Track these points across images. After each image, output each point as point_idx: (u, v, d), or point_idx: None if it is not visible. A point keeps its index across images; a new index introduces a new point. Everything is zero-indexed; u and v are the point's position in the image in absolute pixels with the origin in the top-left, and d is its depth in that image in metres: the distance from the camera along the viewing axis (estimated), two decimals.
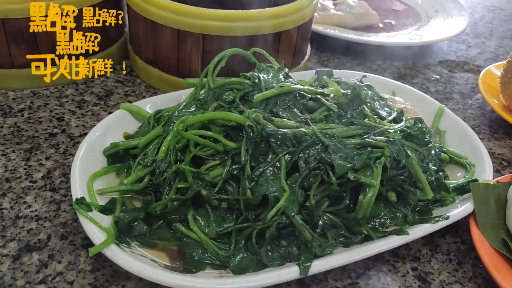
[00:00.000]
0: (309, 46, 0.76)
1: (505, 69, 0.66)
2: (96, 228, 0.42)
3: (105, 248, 0.40)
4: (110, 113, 0.63)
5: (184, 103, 0.55)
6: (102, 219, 0.44)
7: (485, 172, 0.53)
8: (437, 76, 0.80)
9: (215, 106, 0.51)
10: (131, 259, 0.40)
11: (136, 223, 0.45)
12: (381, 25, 0.91)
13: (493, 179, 0.52)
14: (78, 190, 0.45)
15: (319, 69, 0.65)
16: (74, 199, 0.44)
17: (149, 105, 0.58)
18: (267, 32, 0.63)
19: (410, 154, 0.46)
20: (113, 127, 0.55)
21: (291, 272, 0.40)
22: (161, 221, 0.46)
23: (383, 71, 0.80)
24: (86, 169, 0.49)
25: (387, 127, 0.49)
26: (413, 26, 0.92)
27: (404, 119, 0.53)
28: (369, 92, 0.57)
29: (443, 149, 0.56)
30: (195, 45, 0.63)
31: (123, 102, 0.65)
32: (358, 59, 0.82)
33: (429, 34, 0.86)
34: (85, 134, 0.59)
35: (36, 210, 0.49)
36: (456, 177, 0.54)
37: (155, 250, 0.44)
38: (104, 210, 0.46)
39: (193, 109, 0.53)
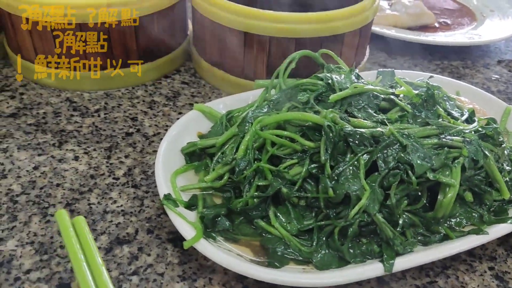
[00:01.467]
0: (368, 47, 0.77)
1: None
2: (185, 223, 0.45)
3: (196, 242, 0.43)
4: (179, 113, 0.66)
5: (256, 104, 0.56)
6: (187, 215, 0.46)
7: None
8: (497, 76, 0.79)
9: (289, 106, 0.53)
10: (220, 253, 0.42)
11: (219, 218, 0.47)
12: (436, 25, 0.90)
13: None
14: (164, 186, 0.48)
15: (381, 69, 0.66)
16: (161, 196, 0.47)
17: (220, 105, 0.60)
18: (330, 34, 0.65)
19: (487, 154, 0.47)
20: (188, 127, 0.57)
21: (375, 268, 0.42)
22: (242, 217, 0.48)
23: (442, 71, 0.80)
24: (167, 167, 0.51)
25: (461, 127, 0.50)
26: (469, 25, 0.91)
27: (476, 119, 0.53)
28: (439, 92, 0.58)
29: None
30: (261, 47, 0.65)
31: (190, 103, 0.68)
32: (415, 59, 0.82)
33: (487, 33, 0.86)
34: (159, 133, 0.62)
35: (121, 205, 0.51)
36: None
37: (239, 245, 0.46)
38: (188, 206, 0.48)
39: (265, 109, 0.55)
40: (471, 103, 0.62)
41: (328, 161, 0.46)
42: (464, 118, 0.53)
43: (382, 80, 0.62)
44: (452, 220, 0.47)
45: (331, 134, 0.46)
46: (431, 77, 0.62)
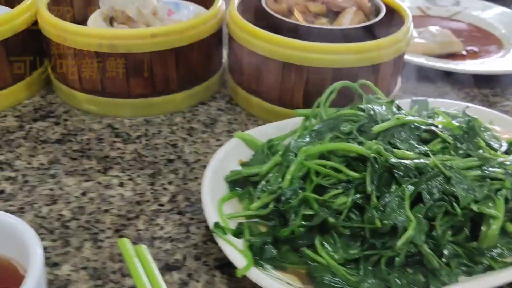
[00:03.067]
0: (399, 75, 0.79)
1: None
2: (235, 251, 0.46)
3: (249, 270, 0.44)
4: (217, 140, 0.68)
5: (298, 134, 0.58)
6: (235, 242, 0.48)
7: None
8: None
9: (331, 137, 0.54)
10: (273, 282, 0.43)
11: (266, 246, 0.48)
12: (464, 52, 0.92)
13: None
14: (212, 215, 0.50)
15: (415, 98, 0.67)
16: (210, 224, 0.48)
17: (260, 133, 0.62)
18: (366, 64, 0.66)
19: None
20: (230, 155, 0.59)
21: None
22: (288, 246, 0.49)
23: (472, 99, 0.81)
24: (212, 195, 0.53)
25: (502, 159, 0.51)
26: (496, 53, 0.92)
27: None
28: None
29: None
30: (299, 77, 0.67)
31: (227, 130, 0.70)
32: (445, 87, 0.84)
33: None
34: (199, 160, 0.64)
35: (168, 232, 0.53)
36: None
37: (286, 273, 0.47)
38: (236, 234, 0.49)
39: (307, 139, 0.56)
40: (506, 133, 0.63)
41: (374, 192, 0.47)
42: (503, 149, 0.54)
43: (418, 109, 0.63)
44: (494, 250, 0.48)
45: (376, 165, 0.47)
46: (467, 107, 0.63)
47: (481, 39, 0.98)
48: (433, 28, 0.92)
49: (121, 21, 0.77)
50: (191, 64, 0.72)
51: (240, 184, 0.56)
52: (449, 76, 0.85)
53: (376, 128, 0.52)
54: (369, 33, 0.74)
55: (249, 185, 0.56)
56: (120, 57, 0.66)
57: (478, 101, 0.80)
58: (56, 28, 0.66)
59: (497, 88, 0.84)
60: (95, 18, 0.78)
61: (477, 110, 0.68)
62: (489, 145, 0.54)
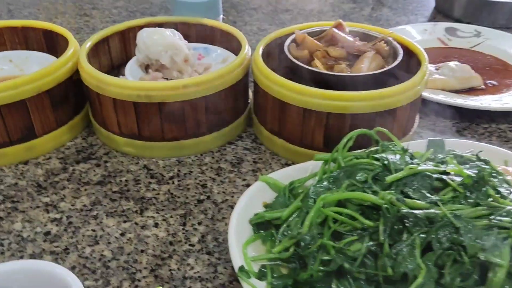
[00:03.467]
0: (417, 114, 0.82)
1: None
2: None
3: None
4: (243, 179, 0.73)
5: (317, 179, 0.62)
6: (258, 285, 0.52)
7: None
8: None
9: (348, 184, 0.59)
10: None
11: None
12: (483, 87, 0.94)
13: None
14: (237, 258, 0.54)
15: (431, 138, 0.71)
16: (236, 268, 0.53)
17: (283, 176, 0.66)
18: (384, 109, 0.70)
19: None
20: (254, 198, 0.63)
21: None
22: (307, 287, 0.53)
23: (490, 135, 0.83)
24: (238, 238, 0.58)
25: (510, 207, 0.54)
26: None
27: None
28: (487, 167, 0.62)
29: None
30: (318, 121, 0.72)
31: (253, 169, 0.75)
32: (463, 122, 0.87)
33: None
34: (226, 200, 0.69)
35: (198, 271, 0.58)
36: None
37: None
38: (259, 276, 0.54)
39: (325, 184, 0.60)
40: None
41: (387, 240, 0.51)
42: None
43: (434, 152, 0.67)
44: None
45: (388, 215, 0.51)
46: (480, 151, 0.66)
47: (501, 71, 1.00)
48: (452, 64, 0.95)
49: (156, 68, 0.83)
50: (219, 108, 0.77)
51: (264, 226, 0.61)
52: (467, 111, 0.88)
53: (390, 178, 0.56)
54: (387, 76, 0.78)
55: (271, 227, 0.61)
56: (156, 106, 0.72)
57: (495, 137, 0.83)
58: (96, 79, 0.73)
59: None
60: (132, 65, 0.84)
61: (492, 151, 0.71)
62: (498, 192, 0.57)
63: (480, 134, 0.84)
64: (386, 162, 0.58)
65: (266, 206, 0.64)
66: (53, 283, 0.45)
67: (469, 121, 0.87)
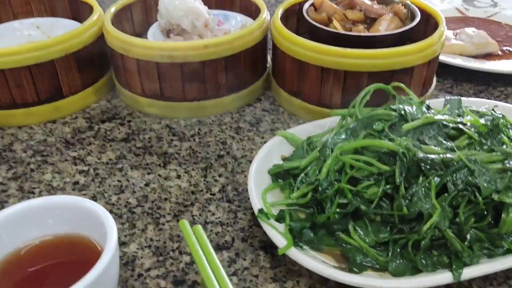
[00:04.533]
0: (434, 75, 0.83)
1: None
2: (277, 233, 0.53)
3: (288, 249, 0.51)
4: (262, 137, 0.75)
5: (335, 131, 0.64)
6: (277, 226, 0.54)
7: None
8: None
9: (365, 134, 0.60)
10: (309, 259, 0.50)
11: (304, 230, 0.55)
12: (500, 53, 0.94)
13: None
14: (257, 202, 0.57)
15: (448, 97, 0.72)
16: (255, 210, 0.55)
17: (300, 131, 0.68)
18: (401, 67, 0.72)
19: None
20: (273, 151, 0.65)
21: (445, 277, 0.48)
22: (325, 230, 0.55)
23: (506, 97, 0.84)
24: (257, 186, 0.60)
25: None
26: None
27: None
28: (503, 120, 0.63)
29: None
30: (336, 80, 0.73)
31: (271, 128, 0.77)
32: (480, 85, 0.87)
33: None
34: (245, 155, 0.71)
35: (219, 217, 0.61)
36: None
37: (322, 253, 0.54)
38: (277, 219, 0.56)
39: (343, 136, 0.62)
40: None
41: (403, 183, 0.52)
42: None
43: (450, 108, 0.68)
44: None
45: (405, 160, 0.53)
46: (496, 106, 0.67)
47: None
48: (469, 30, 0.96)
49: (177, 33, 0.85)
50: (238, 70, 0.79)
51: (282, 176, 0.63)
52: (484, 75, 0.88)
53: (406, 126, 0.57)
54: (405, 37, 0.79)
55: (289, 177, 0.62)
56: (177, 66, 0.74)
57: (511, 99, 0.83)
58: (121, 41, 0.76)
59: None
60: (154, 30, 0.87)
61: (508, 108, 0.72)
62: None
63: (496, 97, 0.84)
64: (403, 112, 0.59)
65: (285, 159, 0.66)
66: (85, 214, 0.48)
67: (485, 84, 0.87)
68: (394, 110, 0.60)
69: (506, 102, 0.83)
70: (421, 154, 0.53)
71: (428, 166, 0.53)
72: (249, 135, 0.76)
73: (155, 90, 0.78)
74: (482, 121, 0.58)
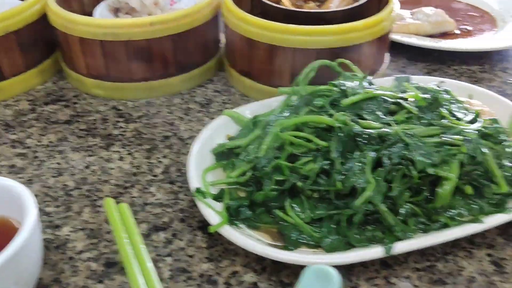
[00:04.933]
0: (388, 54, 0.82)
1: None
2: (212, 212, 0.52)
3: (221, 227, 0.49)
4: (212, 118, 0.73)
5: (279, 109, 0.63)
6: (215, 205, 0.53)
7: None
8: None
9: (307, 111, 0.59)
10: (242, 237, 0.49)
11: (242, 208, 0.54)
12: (457, 32, 0.94)
13: None
14: (195, 181, 0.55)
15: (398, 75, 0.71)
16: (192, 189, 0.54)
17: (247, 111, 0.67)
18: (349, 44, 0.70)
19: (485, 151, 0.51)
20: (218, 130, 0.64)
21: (376, 251, 0.47)
22: (263, 208, 0.54)
23: (460, 75, 0.84)
24: (199, 165, 0.59)
25: (463, 127, 0.54)
26: (490, 31, 0.94)
27: (480, 120, 0.57)
28: (447, 96, 0.62)
29: None
30: (285, 58, 0.72)
31: (221, 109, 0.75)
32: (435, 64, 0.87)
33: (505, 39, 0.89)
34: (193, 136, 0.69)
35: (159, 198, 0.59)
36: None
37: (259, 231, 0.53)
38: (216, 198, 0.55)
39: (287, 114, 0.61)
40: (482, 106, 0.66)
41: (339, 158, 0.51)
42: (468, 119, 0.57)
43: (398, 85, 0.67)
44: (453, 211, 0.52)
45: (340, 134, 0.52)
46: (442, 82, 0.66)
47: (477, 18, 1.00)
48: (427, 9, 0.95)
49: (125, 11, 0.83)
50: (188, 49, 0.77)
51: (226, 156, 0.62)
52: (439, 54, 0.88)
53: (345, 101, 0.56)
54: (358, 15, 0.77)
55: (233, 157, 0.61)
56: (122, 44, 0.72)
57: (465, 77, 0.83)
58: (63, 19, 0.73)
59: (486, 65, 0.86)
60: (101, 9, 0.84)
61: (458, 85, 0.71)
62: (454, 116, 0.58)
63: (450, 75, 0.84)
64: (343, 87, 0.58)
65: (230, 138, 0.65)
66: (2, 193, 0.46)
67: (440, 63, 0.87)
68: (336, 86, 0.59)
69: (460, 79, 0.82)
70: (357, 129, 0.52)
71: (364, 141, 0.52)
72: (198, 116, 0.74)
73: (101, 71, 0.76)
74: (422, 95, 0.58)
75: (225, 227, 0.50)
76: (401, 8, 0.98)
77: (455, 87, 0.71)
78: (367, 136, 0.52)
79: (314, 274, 0.32)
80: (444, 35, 0.93)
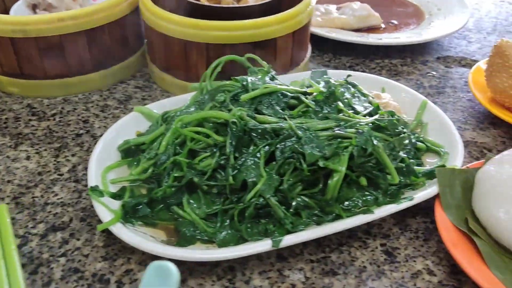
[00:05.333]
0: (309, 48, 0.83)
1: (488, 63, 0.70)
2: (106, 210, 0.51)
3: (111, 225, 0.49)
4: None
5: (187, 105, 0.63)
6: (113, 204, 0.53)
7: (456, 159, 0.58)
8: (434, 72, 0.84)
9: (211, 106, 0.59)
10: (131, 234, 0.48)
11: (140, 206, 0.53)
12: (383, 26, 0.96)
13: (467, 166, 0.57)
14: (93, 179, 0.54)
15: (314, 70, 0.72)
16: (89, 187, 0.53)
17: (159, 107, 0.66)
18: (263, 39, 0.71)
19: (376, 143, 0.52)
20: (127, 127, 0.63)
21: (264, 244, 0.48)
22: (162, 205, 0.54)
23: (381, 69, 0.85)
24: (103, 163, 0.58)
25: (358, 120, 0.55)
26: (415, 24, 0.96)
27: (379, 113, 0.58)
28: (352, 89, 0.63)
29: (421, 139, 0.62)
30: (200, 53, 0.71)
31: (138, 106, 0.74)
32: (358, 59, 0.88)
33: (428, 32, 0.90)
34: None
35: (61, 198, 0.58)
36: (435, 165, 0.59)
37: (156, 228, 0.52)
38: (115, 196, 0.54)
39: (193, 109, 0.61)
40: (389, 99, 0.67)
41: (233, 153, 0.52)
42: (366, 112, 0.58)
43: (314, 79, 0.67)
44: (348, 202, 0.53)
45: (235, 129, 0.52)
46: (349, 75, 0.67)
47: (405, 12, 1.02)
48: (354, 4, 0.96)
49: (43, 7, 0.81)
50: (105, 45, 0.76)
51: (133, 153, 0.61)
52: (364, 48, 0.89)
53: (244, 96, 0.56)
54: (276, 9, 0.78)
55: (140, 154, 0.61)
56: (32, 41, 0.71)
57: (385, 71, 0.84)
58: None
59: (407, 58, 0.88)
60: (18, 6, 0.82)
61: (371, 79, 0.73)
62: (353, 109, 0.58)
63: (372, 69, 0.85)
64: (245, 82, 0.58)
65: (140, 135, 0.64)
66: None
67: (363, 57, 0.88)
68: (238, 81, 0.59)
69: (380, 73, 0.84)
70: (252, 123, 0.52)
71: (259, 136, 0.52)
72: (115, 113, 0.73)
73: (14, 68, 0.74)
74: (321, 88, 0.58)
75: (117, 225, 0.49)
76: (329, 3, 0.99)
77: (369, 80, 0.72)
78: (262, 131, 0.52)
79: (154, 271, 0.32)
80: (371, 29, 0.94)
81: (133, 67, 0.82)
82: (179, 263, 0.48)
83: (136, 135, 0.64)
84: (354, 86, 0.64)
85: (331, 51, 0.90)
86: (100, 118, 0.72)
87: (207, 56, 0.71)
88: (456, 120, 0.72)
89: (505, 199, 0.50)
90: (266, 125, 0.53)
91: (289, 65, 0.77)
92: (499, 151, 0.56)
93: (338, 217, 0.52)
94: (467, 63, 0.87)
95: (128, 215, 0.52)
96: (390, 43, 0.87)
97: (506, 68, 0.67)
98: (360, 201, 0.53)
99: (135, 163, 0.60)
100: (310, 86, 0.62)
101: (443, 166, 0.56)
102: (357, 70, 0.84)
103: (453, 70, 0.85)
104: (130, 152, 0.61)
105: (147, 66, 0.84)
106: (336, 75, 0.69)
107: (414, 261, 0.51)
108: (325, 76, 0.68)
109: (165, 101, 0.68)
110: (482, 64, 0.75)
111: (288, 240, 0.48)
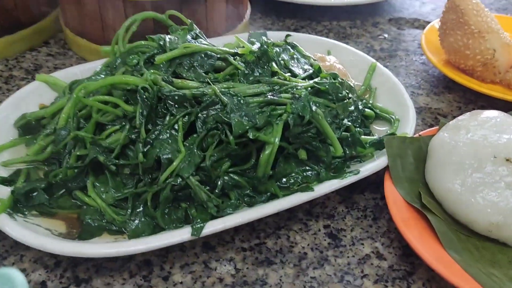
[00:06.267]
0: (249, 8, 0.74)
1: (441, 21, 0.64)
2: None
3: None
4: None
5: (97, 71, 0.53)
6: (3, 191, 0.43)
7: (408, 127, 0.51)
8: (385, 35, 0.77)
9: (123, 71, 0.50)
10: (18, 228, 0.39)
11: (35, 193, 0.44)
12: None
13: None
14: None
15: (252, 32, 0.63)
16: None
17: (67, 76, 0.56)
18: None
19: (314, 109, 0.44)
20: (28, 99, 0.53)
21: (182, 233, 0.39)
22: (63, 190, 0.45)
23: (328, 32, 0.77)
24: None
25: (296, 84, 0.47)
26: None
27: (320, 75, 0.51)
28: (291, 50, 0.55)
29: (369, 105, 0.55)
30: (117, 12, 0.61)
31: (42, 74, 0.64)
32: (304, 21, 0.80)
33: None
34: None
35: None
36: (385, 133, 0.53)
37: (55, 219, 0.43)
38: (5, 181, 0.45)
39: (103, 75, 0.51)
40: (335, 62, 0.60)
41: (143, 124, 0.43)
42: (305, 75, 0.50)
43: (248, 41, 0.59)
44: (285, 179, 0.45)
45: (146, 97, 0.43)
46: (288, 35, 0.59)
47: None
48: None
49: None
50: (6, 7, 0.65)
51: (34, 130, 0.51)
52: (311, 10, 0.81)
53: (160, 58, 0.47)
54: None
55: (42, 130, 0.51)
56: None
57: (333, 33, 0.77)
58: None
59: (357, 20, 0.81)
60: None
61: (316, 40, 0.65)
62: (290, 72, 0.51)
63: (318, 31, 0.77)
64: (162, 42, 0.49)
65: (43, 108, 0.54)
66: None
67: (310, 19, 0.80)
68: (154, 41, 0.50)
69: (328, 35, 0.76)
70: (167, 89, 0.43)
71: (176, 104, 0.43)
72: (21, 85, 0.63)
73: None
74: (253, 48, 0.50)
75: (1, 216, 0.40)
76: None
77: (314, 42, 0.64)
78: (180, 98, 0.43)
79: None
80: None
81: (45, 32, 0.71)
82: (82, 259, 0.40)
83: (39, 108, 0.54)
84: (293, 47, 0.56)
85: (274, 13, 0.81)
86: (3, 91, 0.61)
87: (125, 15, 0.61)
88: (408, 85, 0.66)
89: (461, 169, 0.44)
90: (185, 91, 0.44)
91: (224, 27, 0.68)
92: (454, 117, 0.50)
93: (273, 196, 0.44)
94: (421, 24, 0.80)
95: (20, 203, 0.43)
96: (339, 3, 0.79)
97: (461, 24, 0.60)
98: (300, 177, 0.46)
99: (35, 141, 0.50)
100: (239, 46, 0.54)
101: (393, 134, 0.49)
102: (303, 33, 0.76)
103: (406, 32, 0.78)
104: (29, 129, 0.51)
105: (62, 31, 0.73)
106: (278, 37, 0.61)
107: (362, 244, 0.44)
108: (263, 37, 0.60)
109: (75, 68, 0.58)
110: (436, 24, 0.68)
111: (212, 227, 0.40)
